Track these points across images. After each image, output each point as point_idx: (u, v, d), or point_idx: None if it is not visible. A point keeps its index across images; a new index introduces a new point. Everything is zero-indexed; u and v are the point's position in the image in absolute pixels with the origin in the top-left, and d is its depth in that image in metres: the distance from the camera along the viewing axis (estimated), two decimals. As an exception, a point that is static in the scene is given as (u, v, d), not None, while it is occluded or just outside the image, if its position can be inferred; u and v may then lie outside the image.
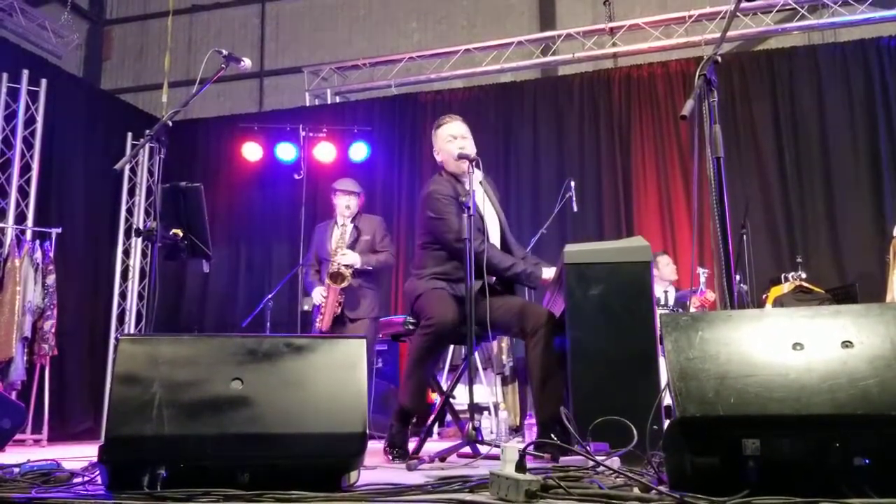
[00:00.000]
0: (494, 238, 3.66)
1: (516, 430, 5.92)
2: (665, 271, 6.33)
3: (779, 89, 7.08)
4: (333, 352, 2.14)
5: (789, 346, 1.80)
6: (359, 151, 7.76)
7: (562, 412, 2.63)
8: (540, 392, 3.29)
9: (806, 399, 1.71)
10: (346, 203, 5.21)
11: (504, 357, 6.36)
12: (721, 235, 2.20)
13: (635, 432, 2.34)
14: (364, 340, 2.20)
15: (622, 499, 1.71)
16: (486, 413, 5.69)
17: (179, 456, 1.92)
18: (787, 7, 7.31)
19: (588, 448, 2.37)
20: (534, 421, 4.19)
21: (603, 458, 2.18)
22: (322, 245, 5.24)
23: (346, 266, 4.92)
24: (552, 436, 3.10)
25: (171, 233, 3.14)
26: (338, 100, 8.78)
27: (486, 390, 5.97)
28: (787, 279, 6.02)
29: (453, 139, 3.61)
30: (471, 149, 3.57)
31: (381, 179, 8.04)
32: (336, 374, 2.09)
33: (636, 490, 1.83)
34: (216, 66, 3.41)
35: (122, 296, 7.77)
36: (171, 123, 2.94)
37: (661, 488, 1.77)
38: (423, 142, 8.00)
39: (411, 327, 3.56)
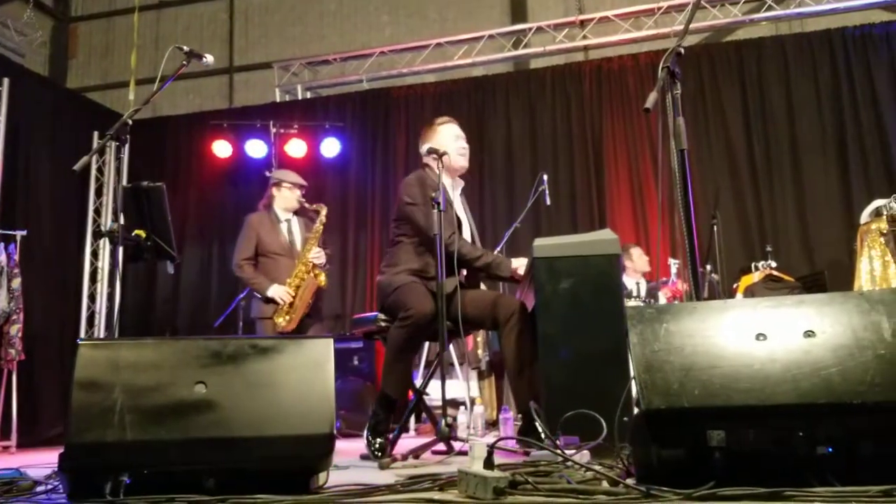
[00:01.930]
0: (464, 236, 3.67)
1: (493, 425, 5.93)
2: (639, 263, 6.37)
3: (747, 80, 7.15)
4: (300, 353, 2.11)
5: (753, 336, 1.81)
6: (330, 147, 7.73)
7: (531, 406, 2.63)
8: (517, 380, 3.29)
9: (770, 389, 1.72)
10: (297, 197, 5.03)
11: (480, 352, 6.36)
12: (686, 227, 2.20)
13: (605, 425, 2.34)
14: (331, 340, 2.18)
15: (589, 493, 1.71)
16: (462, 408, 5.69)
17: (143, 462, 1.89)
18: (755, -3, 7.39)
19: (558, 442, 2.38)
20: (509, 415, 4.19)
21: (572, 452, 2.18)
22: (270, 240, 4.99)
23: (318, 266, 4.84)
24: (535, 425, 3.10)
25: (133, 234, 3.09)
26: (309, 95, 8.71)
27: (462, 385, 5.97)
28: (757, 268, 6.07)
29: (458, 138, 3.75)
30: None
31: (354, 175, 8.00)
32: (302, 376, 2.07)
33: (604, 484, 1.83)
34: (179, 63, 3.35)
35: (92, 298, 7.67)
36: (130, 122, 2.90)
37: (629, 482, 1.77)
38: (396, 136, 7.97)
39: (383, 324, 3.53)
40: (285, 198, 5.05)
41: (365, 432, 3.39)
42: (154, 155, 8.31)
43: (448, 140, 3.69)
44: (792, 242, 6.73)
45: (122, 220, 2.84)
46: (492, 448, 1.89)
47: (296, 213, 5.12)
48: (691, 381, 1.76)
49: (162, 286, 8.18)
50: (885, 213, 5.45)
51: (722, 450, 1.68)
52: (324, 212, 4.98)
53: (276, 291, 4.80)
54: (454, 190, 3.74)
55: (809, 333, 1.79)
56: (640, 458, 1.80)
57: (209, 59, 3.29)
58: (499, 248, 5.40)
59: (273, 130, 7.61)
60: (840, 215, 6.62)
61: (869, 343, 1.74)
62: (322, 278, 4.85)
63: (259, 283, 4.88)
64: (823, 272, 6.09)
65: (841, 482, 1.62)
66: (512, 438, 2.92)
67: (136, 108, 3.03)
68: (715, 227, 5.81)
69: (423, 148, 3.69)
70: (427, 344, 5.70)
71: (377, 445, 3.31)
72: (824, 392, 1.70)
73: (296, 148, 7.73)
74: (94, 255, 7.81)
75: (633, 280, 6.32)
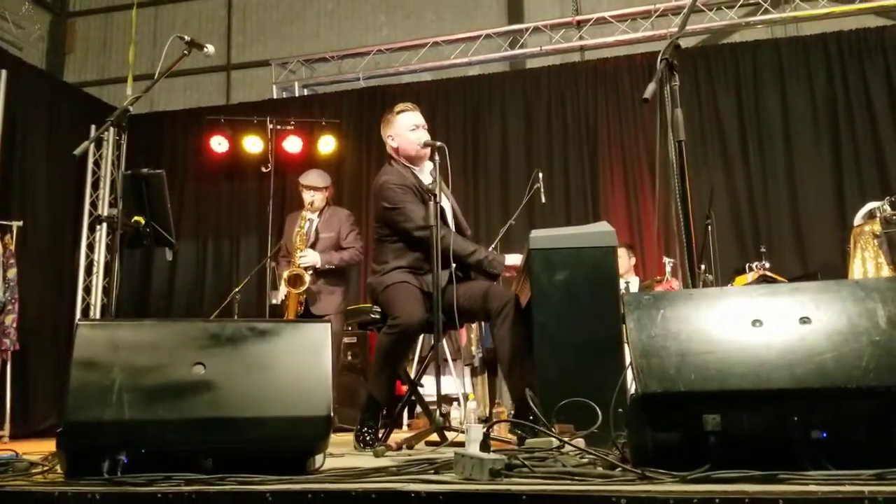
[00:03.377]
0: (449, 225, 3.64)
1: (486, 421, 5.94)
2: (620, 265, 6.34)
3: (743, 82, 7.18)
4: (297, 336, 2.12)
5: (749, 323, 1.82)
6: (327, 144, 7.75)
7: (527, 394, 2.63)
8: (510, 372, 3.24)
9: (765, 374, 1.73)
10: (309, 199, 5.13)
11: (473, 348, 6.36)
12: (683, 216, 2.22)
13: (600, 413, 2.35)
14: (329, 324, 2.19)
15: (585, 476, 1.72)
16: (455, 403, 5.70)
17: (140, 441, 1.89)
18: (751, 1, 7.41)
19: (553, 429, 2.39)
20: (501, 409, 4.20)
21: (567, 437, 2.20)
22: (288, 238, 5.18)
23: (306, 268, 4.87)
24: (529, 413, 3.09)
25: (132, 220, 3.09)
26: (305, 92, 8.72)
27: (456, 381, 5.97)
28: (751, 269, 6.08)
29: (416, 128, 3.62)
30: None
31: (349, 172, 8.02)
32: (300, 358, 2.07)
33: (599, 468, 1.84)
34: (179, 54, 3.36)
35: (87, 290, 7.67)
36: (131, 109, 2.90)
37: (625, 466, 1.78)
38: (391, 134, 7.99)
39: (376, 317, 3.53)
40: (304, 198, 5.22)
41: (355, 429, 3.37)
42: (151, 149, 8.31)
43: (403, 130, 3.65)
44: (786, 244, 6.76)
45: (120, 206, 2.84)
46: (488, 431, 1.90)
47: (320, 212, 5.22)
48: (687, 365, 1.77)
49: (157, 280, 8.19)
50: (878, 215, 5.46)
51: (717, 434, 1.69)
52: (305, 214, 5.11)
53: (281, 289, 4.98)
54: (424, 174, 3.64)
55: (805, 320, 1.80)
56: (635, 442, 1.81)
57: (210, 48, 3.30)
58: (493, 246, 5.41)
59: (270, 127, 7.62)
60: (834, 217, 6.65)
61: (864, 329, 1.75)
62: (301, 284, 4.86)
63: (278, 276, 5.14)
64: (817, 273, 6.11)
65: (835, 466, 1.62)
66: (508, 421, 2.93)
67: (136, 95, 3.03)
68: (709, 228, 5.82)
69: (385, 137, 3.71)
70: (421, 338, 5.71)
71: (367, 436, 3.29)
72: (819, 377, 1.71)
73: (292, 144, 7.75)
74: (90, 247, 7.81)
75: (623, 281, 6.31)
